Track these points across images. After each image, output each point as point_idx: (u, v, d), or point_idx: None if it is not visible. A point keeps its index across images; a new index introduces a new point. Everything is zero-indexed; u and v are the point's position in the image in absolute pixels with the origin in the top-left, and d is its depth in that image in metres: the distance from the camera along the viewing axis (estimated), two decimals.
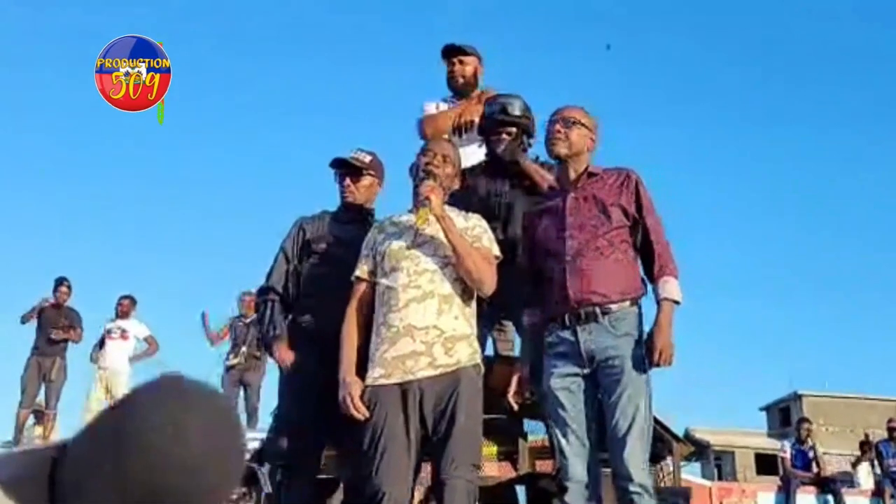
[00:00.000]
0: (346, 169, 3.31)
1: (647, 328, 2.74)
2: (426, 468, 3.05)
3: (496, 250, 2.85)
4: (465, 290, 2.77)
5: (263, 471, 2.37)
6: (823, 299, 43.04)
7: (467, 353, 2.70)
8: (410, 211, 2.88)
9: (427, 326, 2.67)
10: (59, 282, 8.78)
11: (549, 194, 2.98)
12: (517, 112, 3.40)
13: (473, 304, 2.82)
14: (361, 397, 2.70)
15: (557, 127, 2.83)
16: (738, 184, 44.45)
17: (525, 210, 3.24)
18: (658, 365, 2.64)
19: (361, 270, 2.90)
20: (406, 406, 2.65)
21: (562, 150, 2.84)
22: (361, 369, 2.78)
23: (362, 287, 2.88)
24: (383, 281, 2.80)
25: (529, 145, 3.49)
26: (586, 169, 2.85)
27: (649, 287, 2.80)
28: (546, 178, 3.29)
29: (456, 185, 3.00)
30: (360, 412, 2.68)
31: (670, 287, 2.70)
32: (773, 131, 43.58)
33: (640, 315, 2.75)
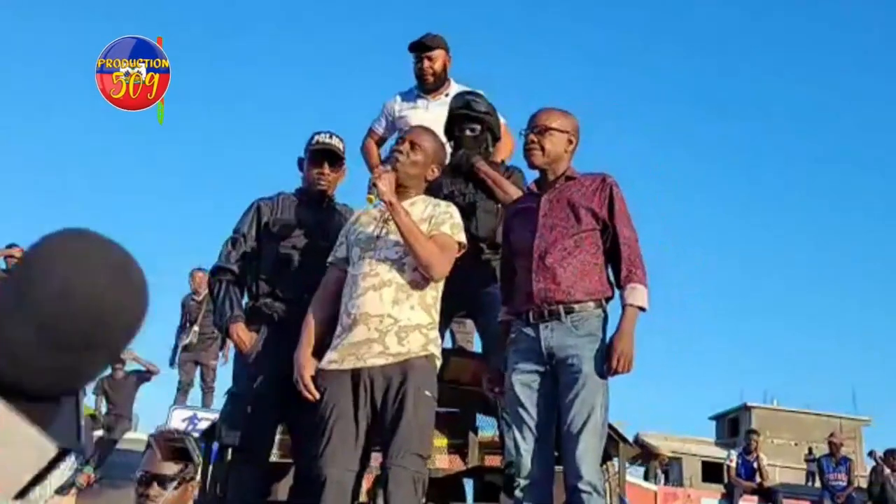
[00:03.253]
0: (327, 157, 3.28)
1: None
2: (377, 457, 3.06)
3: (460, 237, 2.84)
4: (425, 279, 2.77)
5: (196, 444, 2.39)
6: (776, 316, 43.85)
7: (420, 342, 2.70)
8: None
9: (382, 315, 2.68)
10: (11, 248, 8.54)
11: (527, 196, 2.98)
12: (482, 108, 3.40)
13: (433, 293, 2.82)
14: (314, 379, 2.71)
15: (531, 137, 2.84)
16: (694, 194, 45.02)
17: (486, 210, 3.25)
18: (617, 372, 2.64)
19: (334, 256, 2.92)
20: (356, 392, 2.66)
21: (538, 160, 2.86)
22: (320, 353, 2.79)
23: (333, 272, 2.90)
24: (350, 269, 2.82)
25: (492, 145, 3.50)
26: (564, 173, 2.86)
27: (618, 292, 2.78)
28: (502, 185, 3.28)
29: (434, 175, 2.97)
30: (311, 394, 2.70)
31: (637, 293, 2.70)
32: (730, 144, 44.16)
33: (604, 317, 2.75)
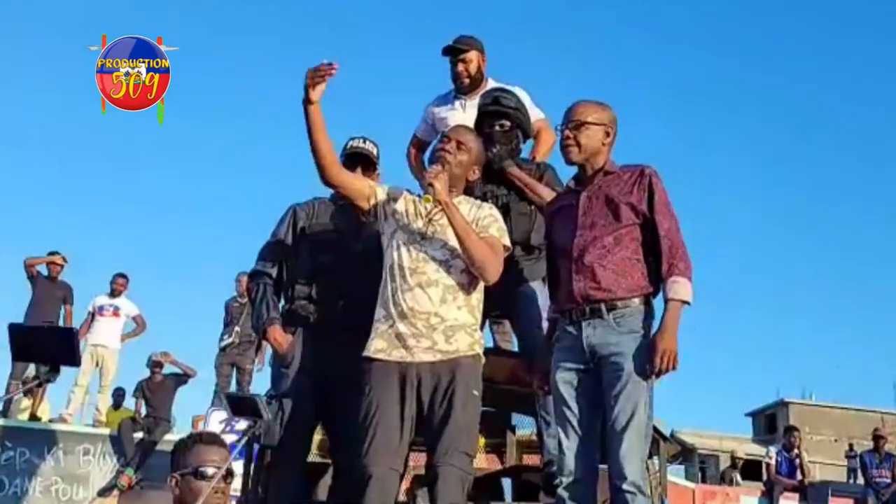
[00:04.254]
0: (361, 161, 3.29)
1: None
2: (417, 458, 3.05)
3: (506, 240, 2.85)
4: (471, 281, 2.78)
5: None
6: (813, 310, 43.22)
7: (467, 342, 2.72)
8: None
9: (429, 312, 2.69)
10: (53, 255, 8.73)
11: (567, 193, 2.94)
12: (511, 104, 3.39)
13: (478, 294, 2.82)
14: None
15: (567, 133, 2.80)
16: (729, 189, 44.53)
17: (521, 213, 3.24)
18: (662, 371, 2.56)
19: (378, 187, 2.92)
20: (403, 388, 2.66)
21: (574, 157, 2.82)
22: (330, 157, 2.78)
23: (366, 182, 2.94)
24: (394, 256, 2.79)
25: (523, 142, 3.47)
26: (603, 167, 2.82)
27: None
28: (533, 187, 3.26)
29: (475, 175, 2.97)
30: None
31: (678, 287, 2.62)
32: (766, 135, 43.62)
33: (649, 313, 2.70)
